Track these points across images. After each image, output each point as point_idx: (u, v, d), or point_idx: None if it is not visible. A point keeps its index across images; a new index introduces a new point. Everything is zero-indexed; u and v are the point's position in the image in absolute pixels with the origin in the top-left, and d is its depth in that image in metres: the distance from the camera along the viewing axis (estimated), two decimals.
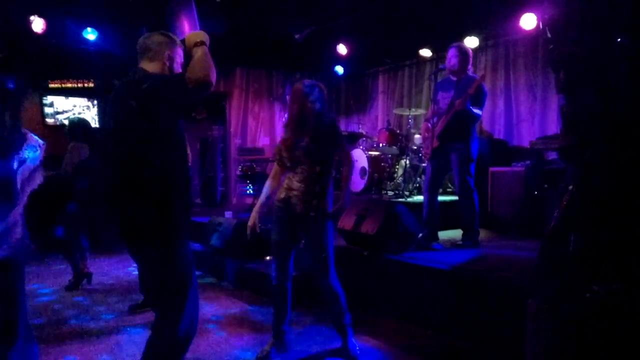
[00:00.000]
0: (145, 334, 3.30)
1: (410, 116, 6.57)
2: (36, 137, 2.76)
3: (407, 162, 5.77)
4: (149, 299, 3.64)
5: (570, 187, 1.89)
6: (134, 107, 1.90)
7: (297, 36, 6.34)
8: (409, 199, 5.37)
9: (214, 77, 1.88)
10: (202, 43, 1.96)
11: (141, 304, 3.82)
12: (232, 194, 7.94)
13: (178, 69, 2.15)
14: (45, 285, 4.68)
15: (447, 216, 5.02)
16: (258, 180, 7.02)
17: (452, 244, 4.19)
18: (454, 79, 4.06)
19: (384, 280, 3.77)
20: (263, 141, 8.23)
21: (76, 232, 4.59)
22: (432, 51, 6.85)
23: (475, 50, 4.47)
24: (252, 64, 7.91)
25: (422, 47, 6.87)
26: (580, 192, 1.86)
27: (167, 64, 2.10)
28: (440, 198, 5.46)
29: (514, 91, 6.18)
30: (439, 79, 4.35)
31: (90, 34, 6.36)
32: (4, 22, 5.80)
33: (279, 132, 8.30)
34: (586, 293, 1.77)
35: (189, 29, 6.73)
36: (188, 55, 2.03)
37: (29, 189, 2.66)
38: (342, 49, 7.23)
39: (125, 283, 4.75)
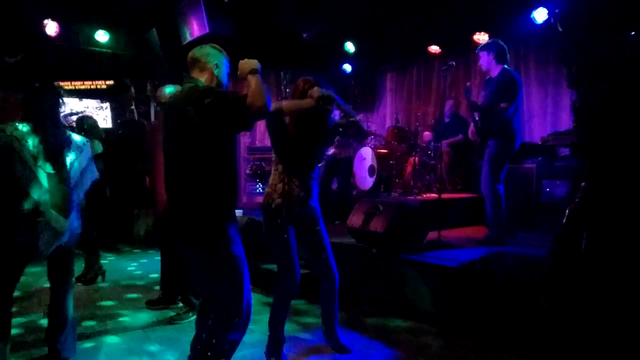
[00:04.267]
0: (161, 330, 3.38)
1: (418, 114, 6.56)
2: (78, 137, 2.86)
3: (416, 159, 5.75)
4: (168, 296, 3.82)
5: (583, 184, 1.87)
6: (193, 117, 2.04)
7: (304, 35, 6.35)
8: (418, 197, 5.36)
9: (270, 104, 2.07)
10: (255, 71, 2.13)
11: (157, 300, 3.87)
12: (242, 193, 7.98)
13: (225, 78, 2.32)
14: None
15: (462, 213, 5.02)
16: (267, 179, 7.04)
17: (469, 240, 4.15)
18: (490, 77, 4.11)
19: (392, 278, 3.76)
20: None
21: (90, 233, 4.67)
22: (441, 48, 6.81)
23: None
24: (260, 63, 7.91)
25: (431, 44, 6.83)
26: (592, 188, 1.85)
27: (215, 73, 2.26)
28: (455, 196, 5.48)
29: (525, 87, 6.12)
30: (448, 75, 4.35)
31: (102, 36, 6.43)
32: (19, 27, 5.89)
33: None
34: (598, 291, 1.75)
35: (197, 30, 6.77)
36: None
37: (84, 186, 2.81)
38: (350, 47, 7.22)
39: (139, 280, 4.80)
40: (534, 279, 2.90)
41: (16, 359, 2.82)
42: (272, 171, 2.76)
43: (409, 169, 6.00)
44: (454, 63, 4.43)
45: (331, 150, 5.62)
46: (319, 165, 2.87)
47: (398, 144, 6.12)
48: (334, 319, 2.93)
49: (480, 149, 4.10)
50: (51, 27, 5.90)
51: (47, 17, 5.87)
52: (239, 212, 5.98)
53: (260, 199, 7.82)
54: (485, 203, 4.07)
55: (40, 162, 2.64)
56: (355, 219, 4.01)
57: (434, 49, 6.86)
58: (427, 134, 6.40)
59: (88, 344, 3.10)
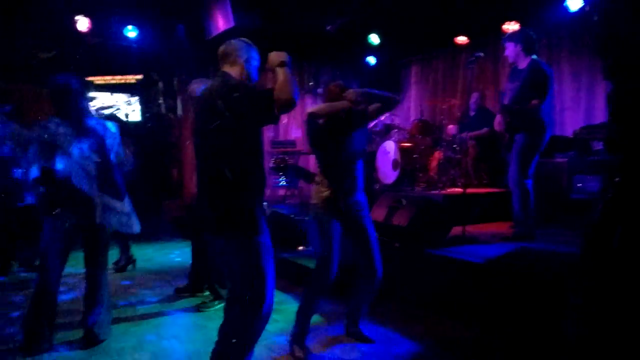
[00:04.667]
0: (187, 316, 3.48)
1: (444, 107, 6.46)
2: (109, 124, 2.98)
3: (441, 153, 5.68)
4: (194, 285, 3.92)
5: (616, 179, 1.81)
6: (222, 111, 2.08)
7: (328, 28, 6.33)
8: (443, 192, 5.29)
9: (297, 97, 2.08)
10: (284, 64, 2.13)
11: (185, 287, 3.98)
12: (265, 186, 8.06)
13: (254, 71, 2.34)
14: None
15: (488, 209, 4.94)
16: (290, 173, 7.10)
17: (495, 236, 4.10)
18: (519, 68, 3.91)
19: (415, 272, 3.74)
20: (295, 134, 8.28)
21: None
22: (468, 38, 6.67)
23: None
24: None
25: (458, 35, 6.70)
26: (626, 184, 1.79)
27: (245, 67, 2.29)
28: (480, 190, 5.39)
29: (557, 78, 5.95)
30: (475, 67, 4.23)
31: (131, 32, 6.57)
32: (52, 24, 6.08)
33: None
34: (631, 289, 1.71)
35: (223, 24, 6.84)
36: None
37: (121, 172, 2.97)
38: (374, 39, 7.15)
39: (167, 269, 4.94)
40: (563, 276, 2.83)
41: (56, 340, 2.95)
42: (318, 169, 2.84)
43: (433, 163, 5.93)
44: (482, 54, 4.31)
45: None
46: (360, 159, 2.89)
47: (422, 138, 6.05)
48: (361, 313, 2.97)
49: (509, 143, 3.99)
50: (83, 24, 6.07)
51: (78, 14, 6.02)
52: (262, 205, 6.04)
53: (283, 192, 7.88)
54: (513, 198, 3.98)
55: (80, 152, 2.77)
56: (378, 213, 4.00)
57: (461, 39, 6.73)
58: (452, 128, 6.30)
59: (121, 328, 3.22)
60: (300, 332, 2.80)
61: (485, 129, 5.91)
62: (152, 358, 2.77)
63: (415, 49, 7.67)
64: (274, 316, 2.51)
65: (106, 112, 7.53)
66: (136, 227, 3.04)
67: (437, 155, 5.83)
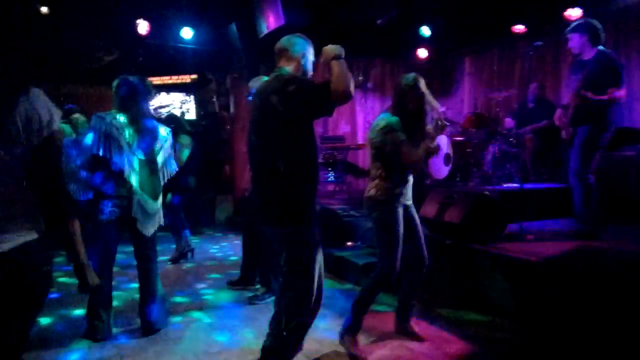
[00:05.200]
0: (240, 309, 3.58)
1: (499, 99, 6.20)
2: (162, 127, 3.13)
3: (496, 147, 5.47)
4: (249, 278, 4.01)
5: None
6: (277, 105, 2.13)
7: (378, 22, 6.26)
8: (498, 187, 5.10)
9: (353, 89, 2.09)
10: (339, 57, 2.15)
11: (237, 281, 4.09)
12: None
13: (310, 66, 2.39)
14: None
15: (547, 205, 4.72)
16: (339, 168, 7.11)
17: (555, 234, 3.92)
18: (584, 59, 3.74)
19: (468, 270, 3.64)
20: (344, 129, 8.27)
21: (180, 218, 5.05)
22: (526, 27, 6.36)
23: None
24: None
25: (515, 23, 6.41)
26: None
27: (302, 62, 2.34)
28: (539, 186, 5.15)
29: (625, 67, 5.55)
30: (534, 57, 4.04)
31: (187, 33, 6.83)
32: (114, 28, 6.45)
33: (360, 121, 8.28)
34: None
35: (273, 22, 6.93)
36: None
37: (167, 175, 3.12)
38: (425, 31, 6.99)
39: (220, 262, 5.10)
40: (630, 277, 2.66)
41: (117, 327, 3.14)
42: (372, 166, 2.82)
43: (488, 157, 5.72)
44: (541, 43, 4.11)
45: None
46: None
47: (476, 131, 5.85)
48: (410, 309, 2.95)
49: (571, 137, 3.79)
50: (142, 27, 6.38)
51: (139, 18, 6.34)
52: None
53: (332, 187, 7.89)
54: (574, 194, 3.77)
55: (134, 149, 2.91)
56: (429, 209, 3.92)
57: (519, 28, 6.42)
58: (508, 120, 6.04)
59: (177, 318, 3.37)
60: (353, 326, 2.79)
61: (544, 121, 5.62)
62: (206, 348, 2.86)
63: (468, 39, 7.41)
64: (322, 311, 2.54)
65: (163, 111, 7.89)
66: (149, 231, 3.00)
67: (492, 149, 5.61)
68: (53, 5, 5.79)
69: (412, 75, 2.79)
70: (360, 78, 8.13)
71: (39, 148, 1.43)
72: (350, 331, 2.78)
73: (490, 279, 3.45)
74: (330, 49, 2.19)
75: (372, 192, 2.76)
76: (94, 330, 2.93)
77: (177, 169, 3.26)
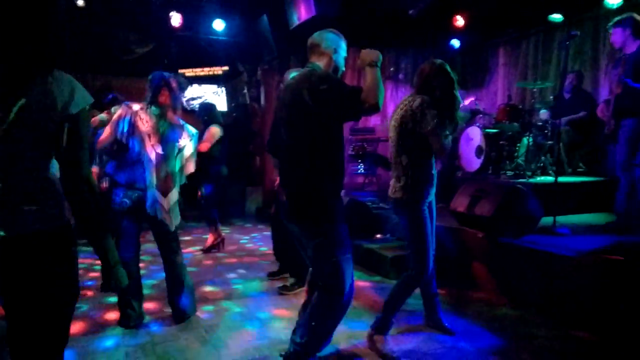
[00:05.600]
0: (269, 299, 3.62)
1: (535, 90, 6.03)
2: (190, 127, 3.17)
3: (530, 139, 5.33)
4: (287, 268, 4.01)
5: None
6: (309, 100, 2.15)
7: (410, 12, 6.17)
8: (532, 180, 4.98)
9: (382, 101, 2.11)
10: (374, 64, 2.16)
11: (277, 272, 4.13)
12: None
13: (342, 62, 2.38)
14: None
15: (584, 199, 4.58)
16: (369, 160, 7.09)
17: (590, 228, 3.83)
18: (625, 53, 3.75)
19: (499, 264, 3.59)
20: (374, 121, 8.21)
21: (212, 208, 5.15)
22: (563, 16, 6.14)
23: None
24: (363, 43, 7.89)
25: (552, 12, 6.19)
26: None
27: (333, 57, 2.32)
28: (575, 179, 5.00)
29: None
30: (571, 47, 3.95)
31: (219, 25, 6.91)
32: (149, 20, 6.59)
33: (390, 112, 8.19)
34: None
35: (305, 13, 6.91)
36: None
37: (184, 173, 3.13)
38: (459, 21, 6.85)
39: (249, 253, 5.18)
40: None
41: (149, 315, 3.24)
42: (395, 162, 2.77)
43: (521, 149, 5.59)
44: (578, 33, 3.99)
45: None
46: None
47: (510, 123, 5.71)
48: (436, 299, 2.93)
49: (614, 130, 3.72)
50: (175, 19, 6.49)
51: (172, 10, 6.45)
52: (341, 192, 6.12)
53: (361, 180, 7.88)
54: (620, 187, 3.71)
55: (155, 143, 2.93)
56: (460, 202, 3.87)
57: (556, 17, 6.21)
58: (543, 112, 5.88)
59: (207, 307, 3.44)
60: (384, 323, 2.78)
61: (581, 113, 5.44)
62: (236, 336, 2.91)
63: (503, 29, 7.21)
64: (353, 303, 2.54)
65: (195, 102, 8.05)
66: (170, 226, 3.02)
67: (526, 141, 5.48)
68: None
69: (439, 60, 2.72)
70: (392, 69, 8.05)
71: (56, 132, 1.35)
72: (379, 331, 2.77)
73: (522, 274, 3.39)
74: (367, 53, 2.18)
75: (399, 194, 2.69)
76: (127, 318, 3.01)
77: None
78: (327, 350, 2.53)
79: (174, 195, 3.02)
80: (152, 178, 2.91)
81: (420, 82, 2.70)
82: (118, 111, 2.95)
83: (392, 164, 2.79)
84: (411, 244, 2.73)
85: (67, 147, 1.38)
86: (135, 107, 2.95)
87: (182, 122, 3.12)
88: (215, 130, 4.77)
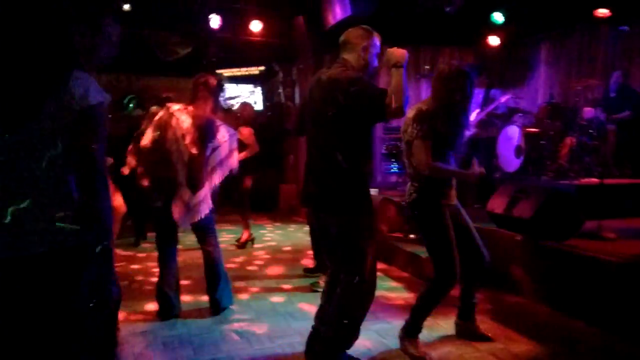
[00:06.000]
0: (301, 295, 3.66)
1: (579, 88, 5.79)
2: (227, 127, 3.24)
3: (574, 139, 5.13)
4: (323, 265, 3.95)
5: None
6: (341, 102, 2.18)
7: (447, 9, 6.05)
8: (575, 182, 4.79)
9: (407, 105, 2.12)
10: (400, 65, 2.15)
11: (314, 268, 4.12)
12: (377, 172, 8.08)
13: (373, 59, 2.38)
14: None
15: (632, 202, 4.38)
16: (402, 159, 7.01)
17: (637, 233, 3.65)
18: None
19: (538, 269, 3.47)
20: None
21: (247, 205, 5.26)
22: (611, 10, 5.86)
23: None
24: (398, 41, 7.80)
25: (598, 6, 5.93)
26: None
27: (363, 54, 2.32)
28: (622, 181, 4.77)
29: None
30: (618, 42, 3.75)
31: (256, 25, 7.02)
32: (189, 22, 6.77)
33: None
34: None
35: (340, 13, 6.93)
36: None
37: (221, 172, 3.20)
38: (498, 17, 6.67)
39: (282, 249, 5.23)
40: None
41: (186, 306, 3.33)
42: (408, 165, 2.74)
43: (564, 150, 5.38)
44: (627, 28, 3.80)
45: (472, 130, 5.34)
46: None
47: (552, 122, 5.51)
48: (474, 306, 2.84)
49: None
50: (215, 21, 6.65)
51: (211, 12, 6.61)
52: (374, 191, 6.09)
53: (394, 179, 7.81)
54: None
55: (189, 143, 2.99)
56: (498, 203, 3.77)
57: (602, 12, 5.93)
58: (588, 111, 5.63)
59: (242, 300, 3.52)
60: (413, 328, 2.67)
61: (626, 112, 5.19)
62: (269, 331, 2.95)
63: (546, 25, 6.96)
64: (383, 302, 2.53)
65: (232, 102, 8.20)
66: (185, 222, 3.08)
67: (569, 141, 5.28)
68: (134, 2, 6.19)
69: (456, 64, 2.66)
70: (427, 67, 7.93)
71: (71, 125, 1.29)
72: (410, 334, 2.66)
73: (563, 279, 3.27)
74: (392, 53, 2.17)
75: (414, 196, 2.62)
76: (164, 310, 3.12)
77: (236, 169, 3.29)
78: (358, 350, 2.52)
79: (204, 192, 3.09)
80: (184, 176, 2.99)
81: (439, 85, 2.61)
82: (159, 113, 3.06)
83: (407, 166, 2.75)
84: (430, 249, 2.64)
85: (82, 139, 1.32)
86: (175, 107, 3.04)
87: (218, 122, 3.18)
88: (248, 131, 4.93)
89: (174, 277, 3.18)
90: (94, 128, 1.32)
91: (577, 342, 2.79)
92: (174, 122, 2.99)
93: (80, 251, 1.28)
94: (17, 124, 1.23)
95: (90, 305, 1.30)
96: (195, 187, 3.04)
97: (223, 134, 3.16)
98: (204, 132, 3.05)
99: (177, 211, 3.01)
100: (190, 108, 3.07)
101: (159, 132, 3.00)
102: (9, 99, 1.22)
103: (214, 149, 3.11)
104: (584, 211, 3.56)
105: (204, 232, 3.19)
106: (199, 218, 3.07)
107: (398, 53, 2.16)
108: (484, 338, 2.78)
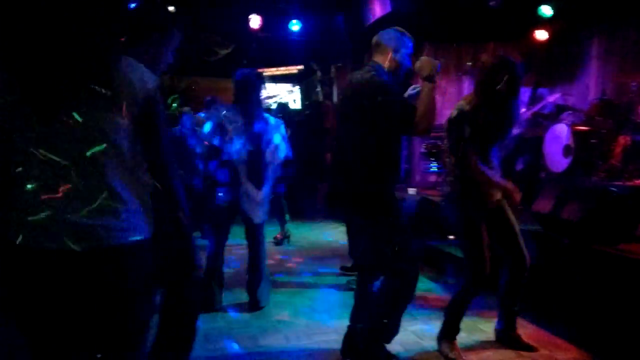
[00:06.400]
0: (338, 293, 3.69)
1: (634, 84, 5.46)
2: (273, 118, 3.33)
3: (628, 138, 4.85)
4: (360, 264, 4.05)
5: None
6: (367, 108, 2.19)
7: (491, 3, 5.87)
8: (628, 183, 4.53)
9: (433, 124, 2.19)
10: (430, 78, 2.14)
11: (351, 267, 4.07)
12: (415, 171, 7.96)
13: (405, 60, 2.36)
14: None
15: None
16: (442, 158, 6.88)
17: None
18: None
19: (587, 274, 3.30)
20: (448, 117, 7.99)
21: (283, 204, 5.32)
22: None
23: None
24: (440, 38, 7.67)
25: None
26: None
27: (395, 56, 2.33)
28: None
29: None
30: None
31: (295, 25, 7.09)
32: (230, 23, 6.92)
33: None
34: None
35: (380, 10, 6.88)
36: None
37: (276, 161, 3.30)
38: (546, 11, 6.40)
39: (319, 247, 5.31)
40: None
41: (227, 301, 3.40)
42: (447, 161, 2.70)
43: (617, 149, 5.09)
44: None
45: (517, 130, 5.16)
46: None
47: (603, 120, 5.22)
48: (515, 316, 2.73)
49: None
50: (255, 21, 6.76)
51: (252, 12, 6.72)
52: (412, 191, 6.00)
53: (434, 178, 7.66)
54: None
55: (244, 140, 3.08)
56: (544, 204, 3.62)
57: None
58: None
59: (279, 297, 3.56)
60: (450, 330, 2.62)
61: None
62: (305, 329, 2.99)
63: (598, 17, 6.62)
64: (421, 303, 2.51)
65: (270, 101, 8.30)
66: (258, 219, 3.17)
67: (623, 140, 4.99)
68: (178, 4, 6.38)
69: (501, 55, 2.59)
70: (469, 63, 7.72)
71: (140, 117, 1.23)
72: (447, 336, 2.61)
73: (615, 285, 3.09)
74: (425, 63, 2.14)
75: (453, 196, 2.59)
76: (207, 302, 3.19)
77: (289, 156, 3.39)
78: (395, 350, 2.51)
79: (266, 189, 3.17)
80: (245, 174, 3.09)
81: (482, 77, 2.52)
82: (207, 114, 3.16)
83: (447, 165, 2.71)
84: (462, 249, 2.62)
85: (149, 132, 1.27)
86: (222, 108, 3.14)
87: (265, 114, 3.27)
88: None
89: (220, 272, 3.27)
90: (158, 112, 1.28)
91: (628, 353, 2.63)
92: (225, 122, 3.09)
93: (153, 241, 1.26)
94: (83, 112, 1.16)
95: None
96: (258, 182, 3.14)
97: (272, 125, 3.26)
98: (255, 129, 3.15)
99: (246, 206, 3.12)
100: (238, 106, 3.16)
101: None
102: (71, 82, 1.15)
103: (268, 141, 3.20)
104: (637, 214, 3.36)
105: (254, 229, 3.26)
106: (265, 214, 3.21)
107: (429, 64, 2.13)
108: (528, 348, 2.66)
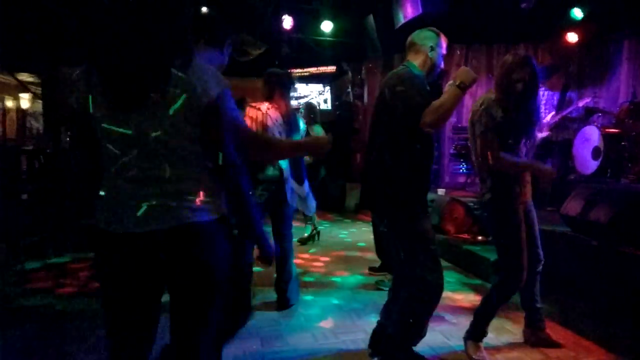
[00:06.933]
0: (366, 292, 3.73)
1: None
2: (300, 119, 3.46)
3: None
4: (388, 264, 3.95)
5: None
6: (387, 100, 2.22)
7: (523, 5, 5.88)
8: None
9: (442, 122, 2.16)
10: (462, 87, 2.10)
11: (379, 267, 4.15)
12: (445, 172, 7.98)
13: (439, 61, 2.37)
14: None
15: None
16: (471, 159, 6.89)
17: None
18: None
19: (615, 276, 3.34)
20: None
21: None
22: None
23: None
24: (471, 40, 7.67)
25: None
26: None
27: (429, 55, 2.32)
28: None
29: None
30: None
31: (327, 26, 7.18)
32: (263, 23, 7.07)
33: None
34: None
35: (411, 12, 6.92)
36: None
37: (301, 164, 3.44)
38: (577, 13, 6.36)
39: (348, 246, 5.37)
40: None
41: (256, 300, 3.45)
42: (477, 162, 2.64)
43: None
44: None
45: (545, 133, 5.16)
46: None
47: (634, 123, 5.19)
48: (540, 314, 2.74)
49: None
50: (287, 22, 6.89)
51: (284, 14, 6.85)
52: (441, 192, 6.06)
53: (463, 179, 7.67)
54: None
55: (283, 137, 3.15)
56: (573, 206, 3.66)
57: None
58: None
59: (307, 297, 3.62)
60: (477, 334, 2.61)
61: None
62: (333, 327, 3.03)
63: (629, 19, 6.52)
64: (450, 304, 2.49)
65: (301, 101, 8.45)
66: (309, 210, 3.43)
67: None
68: (211, 5, 6.58)
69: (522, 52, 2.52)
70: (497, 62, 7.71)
71: (204, 118, 1.33)
72: (474, 337, 2.61)
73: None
74: (463, 74, 2.13)
75: (488, 195, 2.53)
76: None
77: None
78: (422, 350, 2.52)
79: (306, 184, 3.34)
80: (287, 171, 3.18)
81: (502, 74, 2.48)
82: (248, 113, 3.24)
83: (476, 165, 2.64)
84: (499, 250, 2.57)
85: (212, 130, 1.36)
86: (263, 106, 3.19)
87: (296, 114, 3.40)
88: (317, 130, 5.07)
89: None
90: (219, 119, 1.36)
91: None
92: (268, 121, 3.15)
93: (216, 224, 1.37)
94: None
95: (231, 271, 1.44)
96: (299, 179, 3.26)
97: (299, 125, 3.40)
98: (292, 127, 3.23)
99: (295, 202, 3.26)
100: (273, 105, 3.21)
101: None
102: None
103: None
104: None
105: (285, 225, 3.30)
106: (312, 210, 3.37)
107: (469, 75, 2.12)
108: (555, 345, 2.70)
